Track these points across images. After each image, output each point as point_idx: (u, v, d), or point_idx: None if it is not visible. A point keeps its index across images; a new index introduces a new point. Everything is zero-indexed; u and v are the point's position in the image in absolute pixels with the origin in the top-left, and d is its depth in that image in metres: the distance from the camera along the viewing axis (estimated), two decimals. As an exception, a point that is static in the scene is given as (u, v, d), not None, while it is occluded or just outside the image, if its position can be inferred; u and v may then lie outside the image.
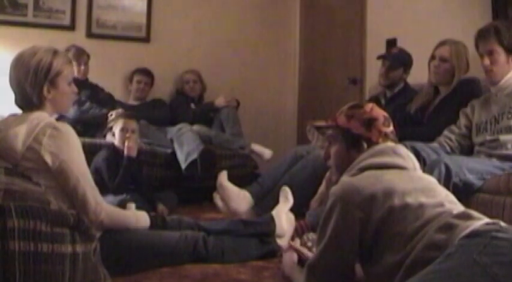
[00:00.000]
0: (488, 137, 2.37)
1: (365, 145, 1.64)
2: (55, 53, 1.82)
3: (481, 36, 2.36)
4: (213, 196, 2.88)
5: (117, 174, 2.95)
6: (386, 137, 1.65)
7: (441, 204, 1.42)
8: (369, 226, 1.42)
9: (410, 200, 1.41)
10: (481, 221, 1.31)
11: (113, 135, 3.13)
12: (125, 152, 2.99)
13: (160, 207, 3.05)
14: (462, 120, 2.54)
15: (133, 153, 3.02)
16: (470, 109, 2.53)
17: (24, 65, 1.76)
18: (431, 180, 1.57)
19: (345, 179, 1.57)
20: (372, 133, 1.64)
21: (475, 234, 1.22)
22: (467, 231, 1.25)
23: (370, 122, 1.65)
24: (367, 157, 1.60)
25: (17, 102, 1.82)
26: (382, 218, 1.41)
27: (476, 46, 2.40)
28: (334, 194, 1.48)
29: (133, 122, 3.13)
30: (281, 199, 2.45)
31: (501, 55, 2.32)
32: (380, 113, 1.68)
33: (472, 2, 3.11)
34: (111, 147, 3.10)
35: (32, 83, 1.76)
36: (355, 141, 1.65)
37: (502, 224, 1.29)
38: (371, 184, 1.45)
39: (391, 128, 1.67)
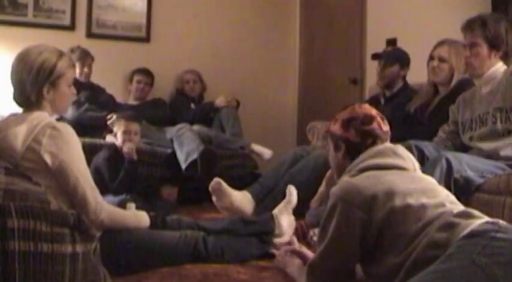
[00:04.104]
0: (478, 145, 2.34)
1: (343, 145, 1.66)
2: (60, 54, 1.83)
3: (467, 27, 2.33)
4: (216, 204, 2.79)
5: (117, 174, 2.95)
6: (366, 134, 1.64)
7: (442, 205, 1.42)
8: (370, 227, 1.42)
9: (411, 200, 1.41)
10: (481, 219, 1.31)
11: (114, 136, 3.13)
12: (126, 155, 3.00)
13: (167, 190, 3.03)
14: (451, 117, 2.53)
15: (134, 156, 3.03)
16: (456, 106, 2.51)
17: (29, 62, 1.76)
18: (431, 181, 1.57)
19: (345, 179, 1.57)
20: (349, 133, 1.65)
21: (474, 234, 1.22)
22: (467, 231, 1.25)
23: (347, 123, 1.66)
24: (366, 158, 1.60)
25: (15, 97, 1.82)
26: (383, 219, 1.40)
27: (464, 37, 2.39)
28: (335, 194, 1.47)
29: (135, 124, 3.14)
30: (285, 199, 2.43)
31: (483, 48, 2.29)
32: (361, 112, 1.67)
33: (472, 1, 3.11)
34: (112, 147, 3.11)
35: (33, 82, 1.76)
36: (339, 144, 1.68)
37: (502, 223, 1.28)
38: (372, 184, 1.45)
39: (373, 125, 1.65)
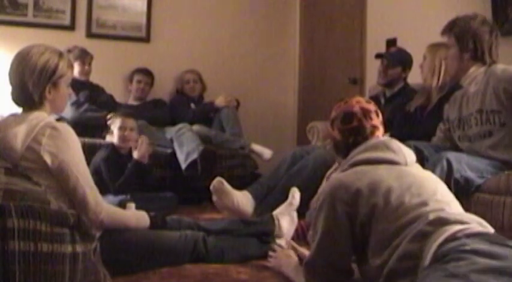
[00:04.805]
0: (467, 145, 2.34)
1: (333, 144, 1.77)
2: (61, 54, 1.84)
3: (442, 30, 2.37)
4: (216, 204, 2.78)
5: (117, 173, 2.95)
6: (346, 134, 1.70)
7: (425, 203, 1.40)
8: (356, 221, 1.44)
9: (392, 198, 1.42)
10: (456, 226, 1.28)
11: (112, 134, 3.13)
12: (135, 156, 3.01)
13: (138, 150, 3.03)
14: (445, 115, 2.54)
15: (145, 160, 3.05)
16: (448, 104, 2.52)
17: (31, 62, 1.76)
18: (421, 175, 1.56)
19: (335, 175, 1.61)
20: (335, 132, 1.74)
21: (443, 254, 1.20)
22: (436, 247, 1.23)
23: (332, 123, 1.76)
24: (358, 152, 1.63)
25: (14, 97, 1.81)
26: (366, 215, 1.43)
27: None
28: (324, 192, 1.52)
29: (131, 120, 3.14)
30: (287, 200, 2.43)
31: (453, 50, 2.31)
32: (342, 110, 1.73)
33: (472, 2, 3.11)
34: (110, 146, 3.11)
35: (36, 82, 1.76)
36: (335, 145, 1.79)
37: (466, 234, 1.25)
38: (357, 179, 1.48)
39: (352, 124, 1.69)
